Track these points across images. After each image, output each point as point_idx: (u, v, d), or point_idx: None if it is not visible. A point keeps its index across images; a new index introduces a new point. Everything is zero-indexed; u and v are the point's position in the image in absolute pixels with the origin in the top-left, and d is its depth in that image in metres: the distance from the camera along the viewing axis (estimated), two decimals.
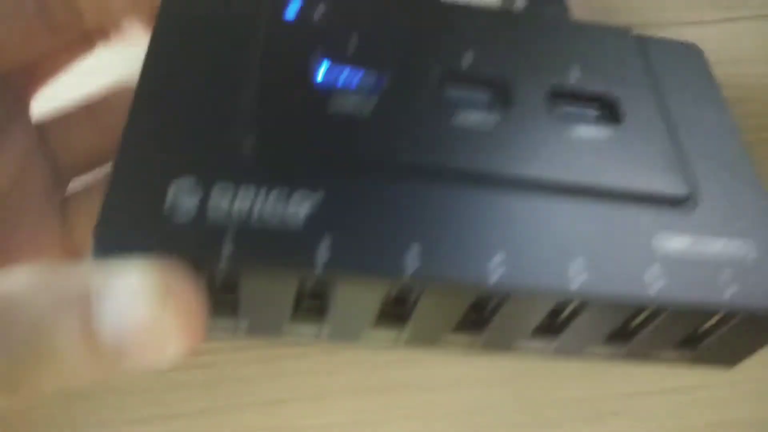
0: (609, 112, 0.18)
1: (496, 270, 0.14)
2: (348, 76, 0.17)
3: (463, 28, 0.19)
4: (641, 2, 0.27)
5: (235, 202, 0.14)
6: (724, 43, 0.26)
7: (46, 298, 0.12)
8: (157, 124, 0.15)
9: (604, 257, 0.15)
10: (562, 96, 0.18)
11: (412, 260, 0.14)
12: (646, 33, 0.24)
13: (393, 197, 0.15)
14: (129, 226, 0.13)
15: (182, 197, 0.14)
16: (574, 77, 0.18)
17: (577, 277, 0.15)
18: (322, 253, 0.14)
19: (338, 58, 0.17)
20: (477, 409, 0.20)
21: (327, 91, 0.16)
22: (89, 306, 0.12)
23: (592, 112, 0.18)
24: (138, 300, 0.12)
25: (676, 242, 0.16)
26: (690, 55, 0.21)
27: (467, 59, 0.18)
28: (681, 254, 0.16)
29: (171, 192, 0.14)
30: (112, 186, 0.14)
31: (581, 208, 0.16)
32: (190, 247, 0.13)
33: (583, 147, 0.17)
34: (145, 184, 0.14)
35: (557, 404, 0.20)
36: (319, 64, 0.17)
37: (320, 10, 0.18)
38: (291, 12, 0.18)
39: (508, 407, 0.20)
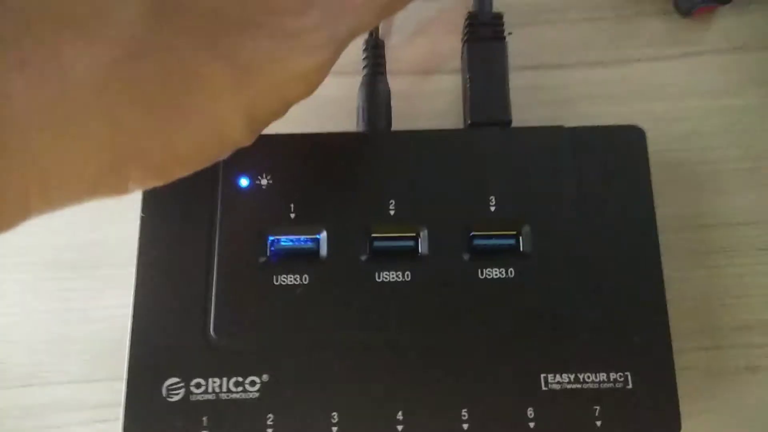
0: (520, 243, 0.20)
1: (400, 424, 0.19)
2: (290, 244, 0.21)
3: (392, 169, 0.21)
4: (601, 40, 0.26)
5: (207, 388, 0.19)
6: (683, 77, 0.25)
7: None
8: (150, 339, 0.20)
9: (491, 400, 0.19)
10: (477, 230, 0.20)
11: (334, 425, 0.19)
12: (604, 72, 0.26)
13: (321, 371, 0.19)
14: (144, 406, 0.19)
15: (171, 390, 0.19)
16: (492, 207, 0.20)
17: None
18: (270, 424, 0.19)
19: (279, 230, 0.21)
20: None
21: (272, 266, 0.20)
22: None
23: (508, 242, 0.20)
24: None
25: (560, 378, 0.19)
26: (627, 139, 0.21)
27: (393, 207, 0.20)
28: (562, 388, 0.19)
29: (164, 388, 0.19)
30: (128, 386, 0.20)
31: (478, 356, 0.19)
32: (182, 416, 0.19)
33: (491, 290, 0.20)
34: (148, 383, 0.20)
35: None
36: (265, 240, 0.21)
37: (265, 179, 0.21)
38: (243, 182, 0.21)
39: None
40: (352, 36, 0.18)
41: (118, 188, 0.16)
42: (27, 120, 0.14)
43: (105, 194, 0.16)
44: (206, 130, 0.16)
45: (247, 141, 0.17)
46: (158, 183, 0.16)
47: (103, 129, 0.15)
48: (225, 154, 0.17)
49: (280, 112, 0.18)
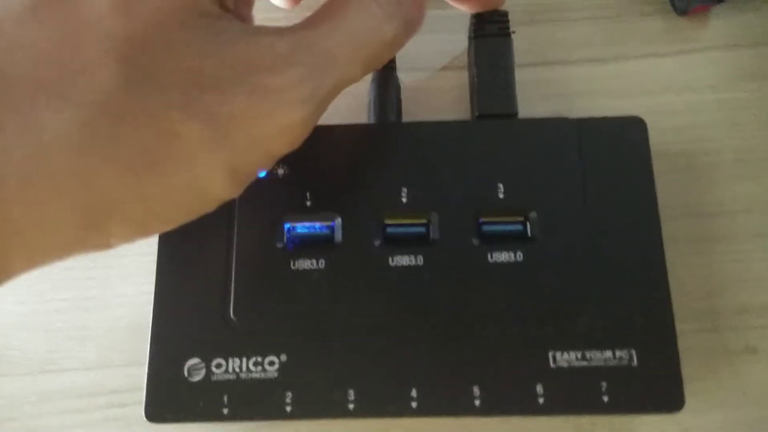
0: (527, 229, 0.21)
1: (414, 401, 0.19)
2: (306, 231, 0.21)
3: (403, 159, 0.22)
4: (601, 38, 0.27)
5: (228, 368, 0.20)
6: (681, 73, 0.26)
7: None
8: (171, 323, 0.20)
9: (502, 378, 0.19)
10: (486, 216, 0.21)
11: (351, 402, 0.19)
12: (605, 68, 0.26)
13: (337, 351, 0.20)
14: (166, 386, 0.20)
15: (193, 371, 0.20)
16: (500, 195, 0.21)
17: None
18: (288, 402, 0.19)
19: (296, 218, 0.21)
20: None
21: (289, 252, 0.21)
22: None
23: (516, 227, 0.21)
24: None
25: (567, 356, 0.19)
26: (630, 129, 0.22)
27: (405, 195, 0.21)
28: (570, 366, 0.19)
29: (186, 368, 0.20)
30: (150, 367, 0.20)
31: (489, 335, 0.20)
32: (203, 395, 0.20)
33: (500, 273, 0.20)
34: (170, 363, 0.20)
35: None
36: (282, 227, 0.21)
37: (282, 169, 0.22)
38: None
39: None
40: (337, 89, 0.18)
41: (101, 244, 0.16)
42: (3, 184, 0.14)
43: (89, 250, 0.16)
44: (184, 188, 0.16)
45: (234, 194, 0.17)
46: (142, 237, 0.17)
47: (79, 189, 0.15)
48: (210, 208, 0.17)
49: (266, 165, 0.18)
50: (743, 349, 0.23)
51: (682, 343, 0.20)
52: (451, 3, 0.24)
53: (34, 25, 0.14)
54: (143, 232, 0.17)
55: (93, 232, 0.16)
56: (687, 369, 0.20)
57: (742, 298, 0.23)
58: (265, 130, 0.16)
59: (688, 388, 0.20)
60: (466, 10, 0.24)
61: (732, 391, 0.22)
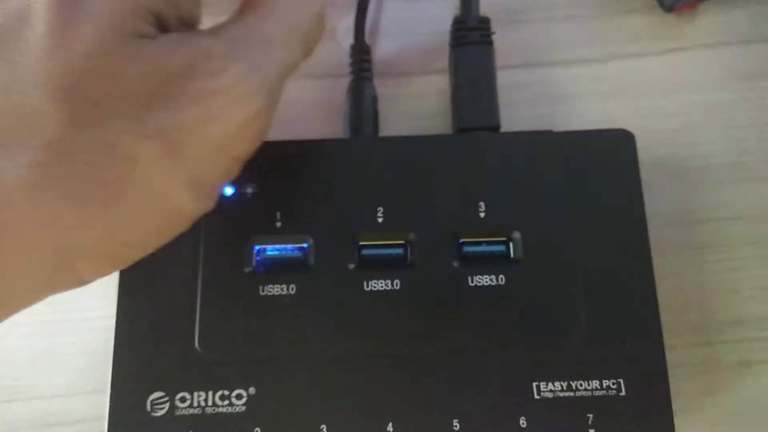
0: (510, 250, 0.19)
1: None
2: (277, 253, 0.20)
3: (379, 176, 0.20)
4: (586, 37, 0.25)
5: (193, 402, 0.18)
6: (668, 73, 0.25)
7: None
8: (134, 353, 0.19)
9: (483, 410, 0.18)
10: (467, 236, 0.19)
11: None
12: (590, 69, 0.25)
13: (309, 383, 0.18)
14: (128, 421, 0.18)
15: (156, 405, 0.18)
16: (481, 214, 0.19)
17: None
18: None
19: (265, 239, 0.20)
20: None
21: (258, 276, 0.19)
22: None
23: (498, 248, 0.19)
24: None
25: (552, 386, 0.18)
26: (616, 143, 0.20)
27: (381, 215, 0.20)
28: (555, 397, 0.18)
29: (148, 402, 0.18)
30: (112, 400, 0.18)
31: (469, 365, 0.18)
32: (167, 431, 0.18)
33: (481, 297, 0.19)
34: (132, 397, 0.18)
35: None
36: (251, 249, 0.19)
37: (250, 187, 0.20)
38: (228, 190, 0.20)
39: None
40: (283, 76, 0.17)
41: (74, 282, 0.16)
42: None
43: (63, 289, 0.16)
44: (150, 212, 0.16)
45: (204, 207, 0.17)
46: (117, 269, 0.16)
47: (41, 232, 0.14)
48: (184, 227, 0.17)
49: (231, 171, 0.17)
50: (737, 363, 0.21)
51: (673, 358, 0.19)
52: None
53: None
54: (115, 264, 0.16)
55: (62, 272, 0.15)
56: (679, 385, 0.19)
57: (736, 309, 0.22)
58: (220, 134, 0.16)
59: (681, 406, 0.18)
60: None
61: (726, 408, 0.21)
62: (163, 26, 0.16)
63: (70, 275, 0.16)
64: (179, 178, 0.16)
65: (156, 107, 0.15)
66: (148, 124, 0.15)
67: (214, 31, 0.17)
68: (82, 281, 0.16)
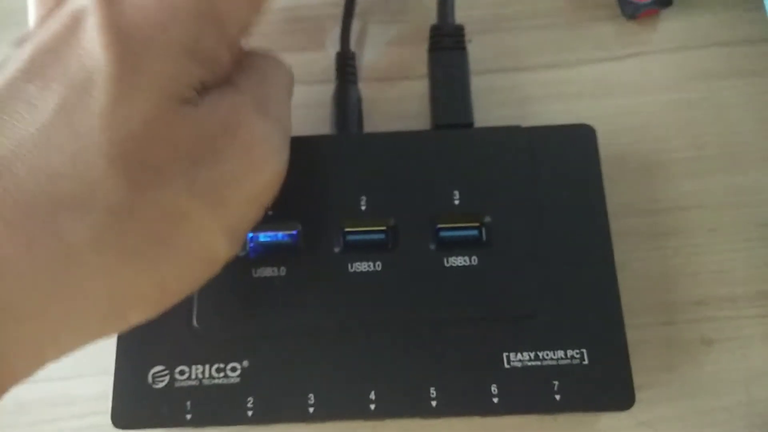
0: (482, 234, 0.20)
1: (372, 403, 0.19)
2: (268, 239, 0.21)
3: (362, 168, 0.21)
4: (554, 44, 0.26)
5: (191, 374, 0.20)
6: (632, 76, 0.26)
7: None
8: (137, 331, 0.19)
9: (457, 379, 0.19)
10: (443, 222, 0.21)
11: (311, 406, 0.19)
12: (558, 73, 0.26)
13: (298, 356, 0.19)
14: (131, 393, 0.20)
15: (157, 378, 0.20)
16: (456, 201, 0.21)
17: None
18: (250, 407, 0.19)
19: (258, 227, 0.20)
20: None
21: (251, 260, 0.20)
22: None
23: (471, 233, 0.21)
24: None
25: (520, 356, 0.19)
26: (579, 136, 0.22)
27: (364, 203, 0.21)
28: (523, 366, 0.19)
29: (150, 375, 0.20)
30: (116, 375, 0.20)
31: (445, 338, 0.19)
32: (167, 401, 0.19)
33: (455, 277, 0.20)
34: (135, 371, 0.20)
35: None
36: None
37: None
38: None
39: None
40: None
41: (121, 326, 0.17)
42: (37, 289, 0.15)
43: (113, 332, 0.17)
44: (195, 262, 0.17)
45: (234, 253, 0.18)
46: (156, 313, 0.17)
47: (100, 283, 0.15)
48: (216, 272, 0.18)
49: (259, 218, 0.18)
50: (698, 341, 0.22)
51: (637, 336, 0.20)
52: None
53: (47, 147, 0.15)
54: (159, 308, 0.17)
55: (115, 318, 0.16)
56: (642, 361, 0.20)
57: (698, 290, 0.23)
58: (258, 184, 0.17)
59: (644, 381, 0.19)
60: None
61: (687, 382, 0.22)
62: (204, 88, 0.17)
63: (119, 321, 0.17)
64: (221, 229, 0.17)
65: (204, 165, 0.16)
66: (198, 181, 0.16)
67: (237, 88, 0.18)
68: (127, 325, 0.17)
